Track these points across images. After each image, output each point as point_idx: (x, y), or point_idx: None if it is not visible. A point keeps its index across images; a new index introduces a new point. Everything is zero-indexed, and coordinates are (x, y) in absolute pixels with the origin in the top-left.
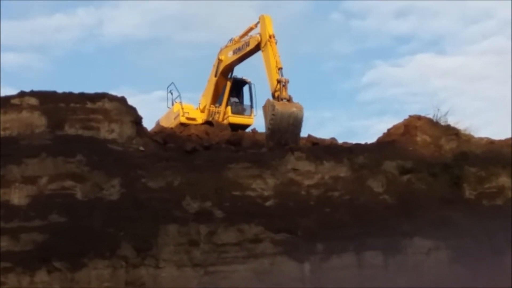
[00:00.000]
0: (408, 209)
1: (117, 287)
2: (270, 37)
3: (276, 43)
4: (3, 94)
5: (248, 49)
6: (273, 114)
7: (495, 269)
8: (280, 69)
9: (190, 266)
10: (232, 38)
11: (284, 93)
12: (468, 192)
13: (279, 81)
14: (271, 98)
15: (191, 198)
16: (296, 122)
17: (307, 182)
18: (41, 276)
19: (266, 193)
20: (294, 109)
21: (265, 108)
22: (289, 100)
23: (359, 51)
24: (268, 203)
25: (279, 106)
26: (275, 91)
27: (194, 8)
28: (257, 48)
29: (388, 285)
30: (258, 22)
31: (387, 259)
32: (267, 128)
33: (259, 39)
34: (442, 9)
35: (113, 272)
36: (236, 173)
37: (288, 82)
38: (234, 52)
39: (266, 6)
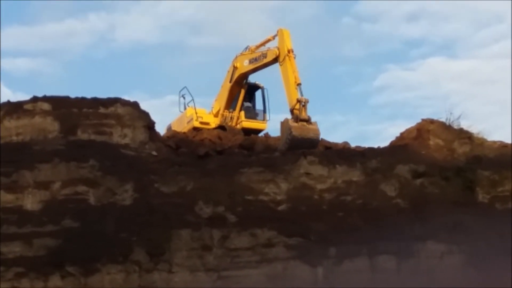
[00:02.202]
0: (421, 213)
1: None
2: (288, 51)
3: (294, 57)
4: (16, 100)
5: (265, 61)
6: (289, 139)
7: (508, 273)
8: (299, 85)
9: (203, 270)
10: (248, 46)
11: (303, 114)
12: (481, 196)
13: (299, 101)
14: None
15: (204, 202)
16: (311, 147)
17: (319, 186)
18: (55, 281)
19: (279, 198)
20: (312, 134)
21: (282, 126)
22: (308, 121)
23: (371, 55)
24: (281, 208)
25: (296, 132)
26: (294, 109)
27: (206, 13)
28: (274, 61)
29: None
30: (276, 35)
31: (400, 263)
32: (282, 149)
33: (277, 52)
34: (453, 13)
35: (126, 277)
36: (248, 178)
37: (308, 102)
38: (250, 62)
39: (277, 10)
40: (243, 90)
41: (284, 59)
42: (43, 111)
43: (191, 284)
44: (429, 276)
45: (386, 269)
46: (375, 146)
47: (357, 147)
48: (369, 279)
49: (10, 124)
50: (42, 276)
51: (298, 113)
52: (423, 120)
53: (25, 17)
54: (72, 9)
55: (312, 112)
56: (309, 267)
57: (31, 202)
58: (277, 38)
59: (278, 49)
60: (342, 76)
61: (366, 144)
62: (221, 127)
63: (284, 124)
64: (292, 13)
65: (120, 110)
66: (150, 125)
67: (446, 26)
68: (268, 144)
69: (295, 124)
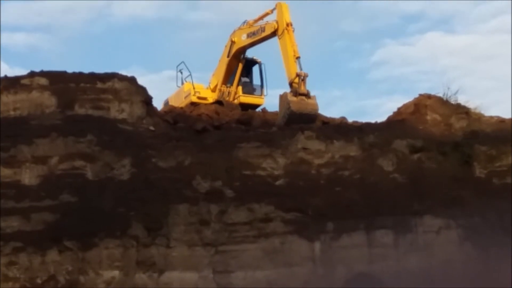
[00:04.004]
0: (419, 188)
1: (128, 267)
2: (287, 25)
3: (293, 31)
4: (13, 75)
5: (263, 34)
6: (287, 113)
7: (505, 247)
8: (298, 58)
9: (200, 245)
10: (246, 20)
11: (302, 88)
12: (479, 171)
13: (298, 75)
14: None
15: (201, 177)
16: (309, 121)
17: (317, 161)
18: (52, 255)
19: (276, 172)
20: (310, 109)
21: (281, 100)
22: (307, 95)
23: (368, 30)
24: (278, 182)
25: (294, 106)
26: (293, 82)
27: None
28: (273, 34)
29: (399, 264)
30: (274, 9)
31: (397, 238)
32: (280, 123)
33: (276, 26)
34: None
35: (124, 252)
36: (246, 153)
37: (307, 76)
38: (248, 36)
39: None
40: (241, 65)
41: (282, 32)
42: (41, 86)
43: (188, 259)
44: (426, 251)
45: (383, 244)
46: (373, 121)
47: (355, 122)
48: (367, 254)
49: (8, 99)
50: (40, 251)
51: (297, 87)
52: (420, 95)
53: None
54: None
55: (310, 87)
56: (306, 241)
57: (29, 176)
58: (275, 11)
59: (277, 22)
60: (339, 52)
61: (363, 119)
62: (218, 102)
63: (282, 98)
64: None
65: (118, 85)
66: (147, 100)
67: (444, 1)
68: (266, 119)
69: (294, 99)
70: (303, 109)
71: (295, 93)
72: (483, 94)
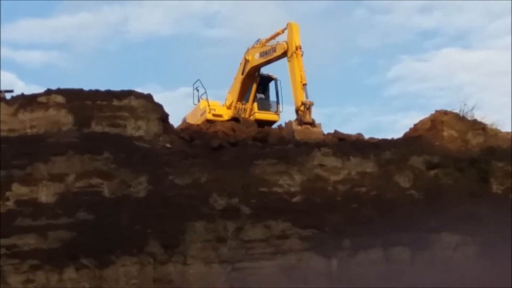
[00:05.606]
0: (435, 204)
1: (145, 284)
2: (296, 48)
3: (302, 55)
4: (29, 92)
5: (274, 55)
6: None
7: None
8: (304, 85)
9: (217, 262)
10: (259, 39)
11: (307, 117)
12: (495, 187)
13: (303, 104)
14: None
15: (218, 194)
16: None
17: (333, 178)
18: (69, 273)
19: (293, 189)
20: (314, 138)
21: (286, 128)
22: (312, 124)
23: (384, 47)
24: (295, 199)
25: (299, 135)
26: (299, 109)
27: (217, 5)
28: (284, 55)
29: (416, 281)
30: (285, 29)
31: (414, 254)
32: None
33: (286, 47)
34: (467, 4)
35: (141, 269)
36: (262, 170)
37: (312, 104)
38: (261, 55)
39: (289, 2)
40: (255, 83)
41: (291, 55)
42: (57, 103)
43: (205, 276)
44: (443, 267)
45: (400, 261)
46: (389, 137)
47: (371, 138)
48: (384, 270)
49: (24, 116)
50: (57, 269)
51: (302, 115)
52: (436, 111)
53: (38, 9)
54: (85, 2)
55: (325, 104)
56: (323, 258)
57: (45, 194)
58: (286, 31)
59: (287, 43)
60: (355, 68)
61: (379, 136)
62: (234, 119)
63: (287, 126)
64: (305, 4)
65: (134, 102)
66: (163, 117)
67: (460, 16)
68: (282, 136)
69: (299, 128)
70: (308, 138)
71: (300, 121)
72: (499, 110)
